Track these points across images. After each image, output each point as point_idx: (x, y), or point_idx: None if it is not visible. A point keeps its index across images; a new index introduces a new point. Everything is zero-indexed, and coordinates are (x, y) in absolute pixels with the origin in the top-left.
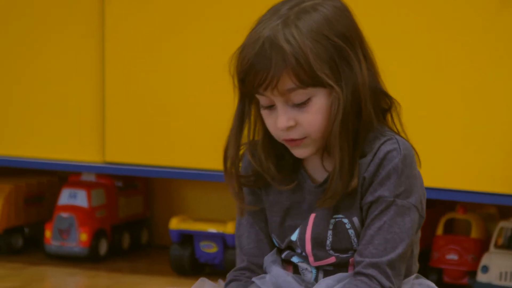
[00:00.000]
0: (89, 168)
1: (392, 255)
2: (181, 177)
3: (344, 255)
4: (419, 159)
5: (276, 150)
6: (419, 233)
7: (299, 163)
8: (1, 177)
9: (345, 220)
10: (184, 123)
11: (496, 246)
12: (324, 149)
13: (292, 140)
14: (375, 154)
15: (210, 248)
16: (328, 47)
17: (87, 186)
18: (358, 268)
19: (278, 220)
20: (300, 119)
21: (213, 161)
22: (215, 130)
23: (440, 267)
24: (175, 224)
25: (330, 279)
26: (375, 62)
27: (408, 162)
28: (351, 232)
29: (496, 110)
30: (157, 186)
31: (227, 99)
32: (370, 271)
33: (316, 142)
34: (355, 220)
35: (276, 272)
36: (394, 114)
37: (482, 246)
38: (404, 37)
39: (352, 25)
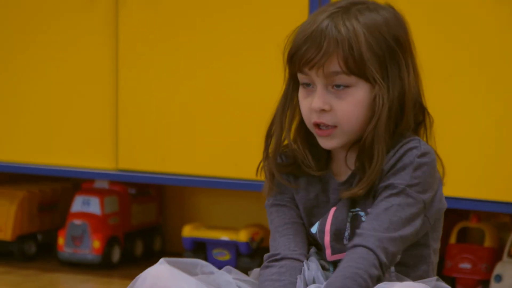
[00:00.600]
0: (102, 175)
1: (395, 234)
2: (194, 185)
3: None
4: (443, 169)
5: (310, 139)
6: (439, 243)
7: (328, 158)
8: (15, 184)
9: (361, 213)
10: (198, 131)
11: (510, 255)
12: (350, 147)
13: (322, 125)
14: (397, 150)
15: (222, 256)
16: (382, 45)
17: (100, 193)
18: (358, 240)
19: (305, 217)
20: (336, 105)
21: (226, 169)
22: (229, 138)
23: (453, 276)
24: (188, 231)
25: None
26: (420, 77)
27: (427, 160)
28: None
29: (511, 119)
30: (170, 193)
31: (239, 107)
32: (370, 244)
33: (344, 135)
34: (370, 211)
35: (314, 265)
36: (427, 127)
37: (495, 255)
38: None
39: (407, 34)
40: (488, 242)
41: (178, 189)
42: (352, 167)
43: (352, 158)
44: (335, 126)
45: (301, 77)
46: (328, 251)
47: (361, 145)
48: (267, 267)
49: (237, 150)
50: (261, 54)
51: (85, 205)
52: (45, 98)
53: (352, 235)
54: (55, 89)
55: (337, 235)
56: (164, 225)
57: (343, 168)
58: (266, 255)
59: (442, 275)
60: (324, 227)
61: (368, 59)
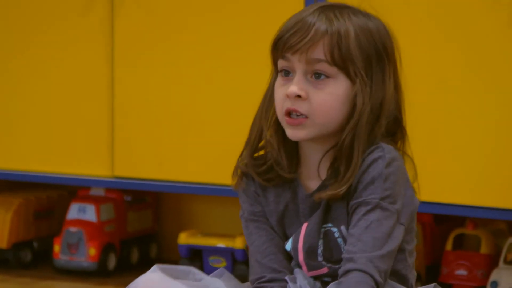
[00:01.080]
0: (98, 183)
1: (383, 251)
2: (190, 192)
3: (337, 266)
4: (415, 170)
5: (286, 139)
6: (414, 242)
7: (298, 162)
8: (10, 191)
9: (334, 229)
10: (193, 138)
11: (506, 261)
12: (326, 152)
13: (294, 113)
14: (362, 163)
15: (219, 263)
16: (371, 47)
17: (96, 200)
18: (349, 265)
19: (278, 229)
20: (312, 94)
21: (222, 176)
22: (224, 145)
23: (449, 283)
24: (184, 239)
25: None
26: (403, 94)
27: (393, 169)
28: (339, 240)
29: (507, 125)
30: (166, 200)
31: (236, 114)
32: (363, 266)
33: (315, 128)
34: (343, 228)
35: (300, 275)
36: (403, 142)
37: (492, 262)
38: (410, 49)
39: (393, 49)
40: (484, 249)
41: (174, 196)
42: (324, 175)
43: (325, 164)
44: (306, 117)
45: (281, 63)
46: (304, 268)
47: (339, 145)
48: None
49: (234, 157)
50: (260, 59)
51: (81, 212)
52: (40, 105)
53: (326, 251)
54: (50, 96)
55: (310, 253)
56: (160, 232)
57: (313, 174)
58: (252, 279)
59: (438, 282)
60: (297, 245)
61: (355, 54)
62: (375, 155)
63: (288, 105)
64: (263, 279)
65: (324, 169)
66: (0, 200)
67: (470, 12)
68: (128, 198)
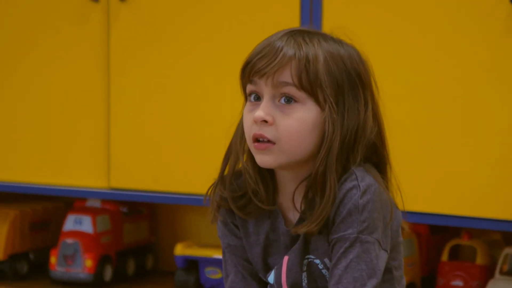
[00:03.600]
0: (94, 194)
1: None
2: (186, 203)
3: None
4: (399, 190)
5: (261, 168)
6: (401, 255)
7: (275, 192)
8: (6, 203)
9: (317, 261)
10: (189, 149)
11: (502, 272)
12: (300, 182)
13: (261, 138)
14: (338, 192)
15: (215, 274)
16: (342, 73)
17: (92, 212)
18: None
19: (259, 261)
20: (279, 120)
21: None
22: (220, 157)
23: None
24: (180, 250)
25: None
26: (383, 125)
27: (369, 197)
28: (324, 272)
29: (502, 135)
30: (162, 211)
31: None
32: None
33: (282, 155)
34: (327, 261)
35: None
36: (386, 174)
37: (487, 273)
38: (404, 57)
39: (368, 76)
40: (480, 260)
41: (170, 207)
42: (299, 206)
43: (299, 195)
44: (274, 143)
45: (249, 88)
46: None
47: (312, 176)
48: None
49: (220, 167)
50: None
51: (77, 224)
52: (36, 117)
53: (310, 282)
54: (46, 107)
55: (295, 287)
56: (156, 244)
57: (291, 205)
58: None
59: None
60: (280, 279)
61: (324, 79)
62: (348, 184)
63: (255, 130)
64: None
65: (299, 200)
66: None
67: (467, 18)
68: (124, 209)
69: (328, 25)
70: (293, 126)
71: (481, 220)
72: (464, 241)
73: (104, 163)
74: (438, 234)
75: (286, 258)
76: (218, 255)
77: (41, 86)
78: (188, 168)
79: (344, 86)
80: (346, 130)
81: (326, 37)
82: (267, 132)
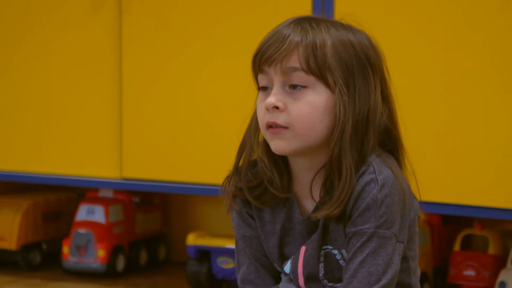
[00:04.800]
0: (106, 184)
1: (377, 286)
2: (199, 193)
3: (338, 284)
4: (415, 179)
5: (276, 157)
6: (417, 244)
7: (290, 180)
8: (19, 193)
9: (335, 251)
10: (201, 139)
11: None
12: (318, 171)
13: (274, 125)
14: (356, 185)
15: (227, 264)
16: (352, 56)
17: (104, 202)
18: None
19: (276, 250)
20: (290, 105)
21: None
22: (232, 146)
23: (457, 283)
24: (192, 240)
25: None
26: (395, 110)
27: (387, 191)
28: (342, 262)
29: None
30: (174, 202)
31: (243, 115)
32: None
33: (297, 140)
34: (344, 252)
35: (286, 285)
36: (400, 158)
37: (500, 262)
38: (424, 48)
39: (379, 61)
40: (492, 250)
41: (182, 197)
42: (317, 195)
43: (317, 185)
44: (286, 127)
45: (260, 79)
46: None
47: (328, 161)
48: None
49: (235, 158)
50: None
51: (90, 214)
52: (48, 107)
53: (327, 273)
54: (59, 98)
55: (311, 277)
56: (168, 234)
57: (307, 194)
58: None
59: (446, 282)
60: (297, 269)
61: (332, 63)
62: (366, 177)
63: (268, 118)
64: None
65: (317, 189)
66: (9, 202)
67: (483, 11)
68: (136, 199)
69: (340, 14)
70: (304, 110)
71: (493, 210)
72: (476, 231)
73: (116, 153)
74: (450, 224)
75: (303, 249)
76: (230, 245)
77: (54, 77)
78: (200, 158)
79: (353, 69)
80: (358, 113)
81: (335, 23)
82: (279, 119)
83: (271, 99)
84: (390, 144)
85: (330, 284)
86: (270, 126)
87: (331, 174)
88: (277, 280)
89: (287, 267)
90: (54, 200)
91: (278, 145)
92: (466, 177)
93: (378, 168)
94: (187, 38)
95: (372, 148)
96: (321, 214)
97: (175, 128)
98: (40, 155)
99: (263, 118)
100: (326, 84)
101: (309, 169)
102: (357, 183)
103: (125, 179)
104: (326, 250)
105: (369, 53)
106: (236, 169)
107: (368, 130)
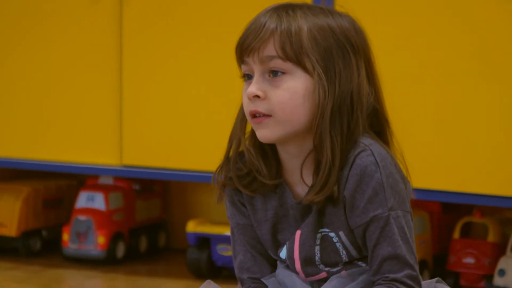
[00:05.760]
0: (106, 171)
1: (409, 270)
2: (198, 180)
3: (335, 269)
4: (404, 163)
5: (262, 145)
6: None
7: (279, 170)
8: (19, 180)
9: (332, 234)
10: (201, 127)
11: None
12: (306, 157)
13: (256, 113)
14: (351, 168)
15: (227, 251)
16: (330, 40)
17: (104, 189)
18: (380, 282)
19: (269, 237)
20: (270, 93)
21: None
22: None
23: (457, 271)
24: (192, 227)
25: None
26: (381, 91)
27: (389, 171)
28: (338, 245)
29: None
30: (174, 189)
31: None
32: (401, 276)
33: (280, 126)
34: (342, 234)
35: (282, 271)
36: (389, 138)
37: (499, 250)
38: (405, 42)
39: (362, 43)
40: (491, 237)
41: (182, 184)
42: (309, 181)
43: (309, 170)
44: (269, 115)
45: (243, 69)
46: (301, 275)
47: (313, 146)
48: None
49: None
50: None
51: (90, 201)
52: (49, 94)
53: (323, 256)
54: (59, 85)
55: (307, 261)
56: (168, 221)
57: (298, 180)
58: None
59: (446, 270)
60: (293, 254)
61: (309, 47)
62: (365, 160)
63: (250, 107)
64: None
65: (309, 175)
66: (9, 188)
67: (475, 7)
68: (136, 186)
69: (340, 8)
70: (284, 96)
71: (493, 198)
72: (476, 218)
73: (116, 140)
74: (449, 212)
75: (299, 232)
76: (230, 232)
77: (54, 65)
78: (200, 145)
79: (332, 53)
80: (339, 96)
81: (314, 9)
82: (261, 107)
83: (252, 88)
84: (378, 125)
85: (326, 269)
86: (254, 115)
87: (319, 159)
88: (274, 267)
89: (283, 253)
90: (54, 187)
91: (262, 134)
92: (466, 165)
93: (375, 149)
94: (188, 26)
95: (362, 130)
96: (306, 199)
97: (175, 116)
98: (41, 142)
99: (247, 108)
100: (305, 69)
101: (297, 155)
102: (354, 164)
103: (125, 166)
104: (323, 233)
105: (350, 35)
106: (227, 159)
107: (353, 112)
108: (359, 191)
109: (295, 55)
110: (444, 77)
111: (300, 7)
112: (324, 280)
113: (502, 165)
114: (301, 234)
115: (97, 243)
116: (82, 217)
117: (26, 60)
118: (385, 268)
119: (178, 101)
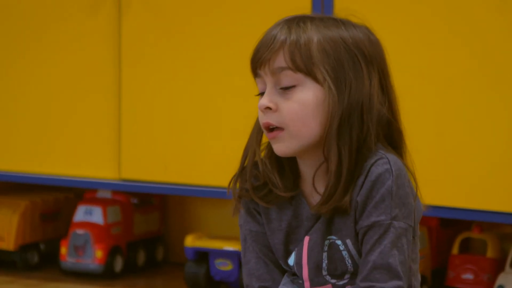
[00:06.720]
0: (105, 185)
1: (398, 281)
2: (197, 195)
3: (341, 282)
4: (415, 179)
5: (279, 158)
6: (418, 247)
7: (297, 181)
8: (17, 193)
9: (339, 242)
10: (200, 141)
11: None
12: (319, 167)
13: (270, 126)
14: (367, 176)
15: (225, 266)
16: (341, 51)
17: (102, 202)
18: None
19: (281, 247)
20: (282, 105)
21: (229, 178)
22: (230, 148)
23: (456, 287)
24: (191, 241)
25: None
26: (396, 102)
27: (401, 182)
28: (344, 253)
29: None
30: (173, 203)
31: (242, 117)
32: None
33: (293, 140)
34: (349, 242)
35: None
36: (403, 151)
37: (498, 266)
38: (418, 50)
39: (376, 53)
40: (490, 253)
41: (180, 198)
42: (321, 191)
43: (320, 180)
44: (282, 129)
45: (257, 83)
46: (306, 284)
47: (324, 157)
48: None
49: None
50: None
51: (88, 214)
52: (47, 107)
53: (330, 264)
54: (57, 98)
55: (315, 268)
56: (166, 235)
57: (312, 190)
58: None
59: (444, 285)
60: (301, 260)
61: (319, 58)
62: (381, 168)
63: (263, 119)
64: None
65: (322, 185)
66: (7, 202)
67: (477, 11)
68: (134, 200)
69: (339, 12)
70: (295, 108)
71: (492, 213)
72: (474, 234)
73: (115, 154)
74: (448, 227)
75: (307, 238)
76: (228, 247)
77: (52, 77)
78: (198, 159)
79: (343, 63)
80: (348, 107)
81: (326, 21)
82: (273, 119)
83: (263, 101)
84: (391, 136)
85: (332, 281)
86: (268, 128)
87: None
88: None
89: (291, 259)
90: (52, 201)
91: (279, 149)
92: (465, 180)
93: (392, 159)
94: (186, 38)
95: (374, 140)
96: (313, 209)
97: (174, 130)
98: (39, 155)
99: (261, 120)
100: (315, 80)
101: (310, 165)
102: (370, 172)
103: (123, 180)
104: (331, 240)
105: (362, 46)
106: (242, 170)
107: (364, 122)
108: (370, 196)
109: (305, 66)
110: (443, 92)
111: (312, 19)
112: None
113: (501, 181)
114: (310, 240)
115: (95, 257)
116: (80, 231)
117: (24, 73)
118: (374, 276)
119: (177, 115)
